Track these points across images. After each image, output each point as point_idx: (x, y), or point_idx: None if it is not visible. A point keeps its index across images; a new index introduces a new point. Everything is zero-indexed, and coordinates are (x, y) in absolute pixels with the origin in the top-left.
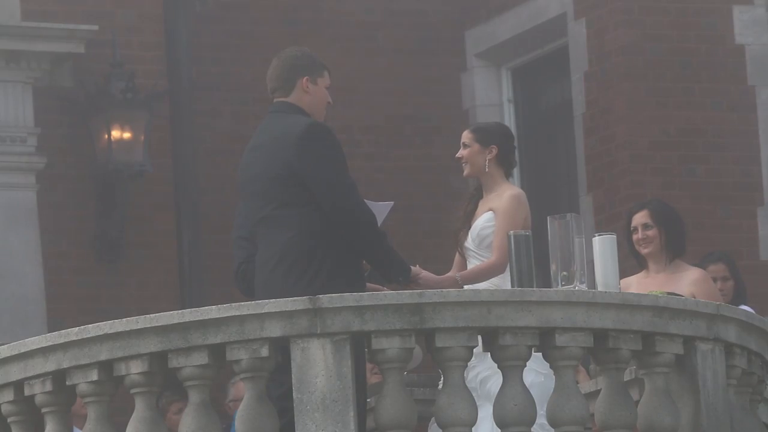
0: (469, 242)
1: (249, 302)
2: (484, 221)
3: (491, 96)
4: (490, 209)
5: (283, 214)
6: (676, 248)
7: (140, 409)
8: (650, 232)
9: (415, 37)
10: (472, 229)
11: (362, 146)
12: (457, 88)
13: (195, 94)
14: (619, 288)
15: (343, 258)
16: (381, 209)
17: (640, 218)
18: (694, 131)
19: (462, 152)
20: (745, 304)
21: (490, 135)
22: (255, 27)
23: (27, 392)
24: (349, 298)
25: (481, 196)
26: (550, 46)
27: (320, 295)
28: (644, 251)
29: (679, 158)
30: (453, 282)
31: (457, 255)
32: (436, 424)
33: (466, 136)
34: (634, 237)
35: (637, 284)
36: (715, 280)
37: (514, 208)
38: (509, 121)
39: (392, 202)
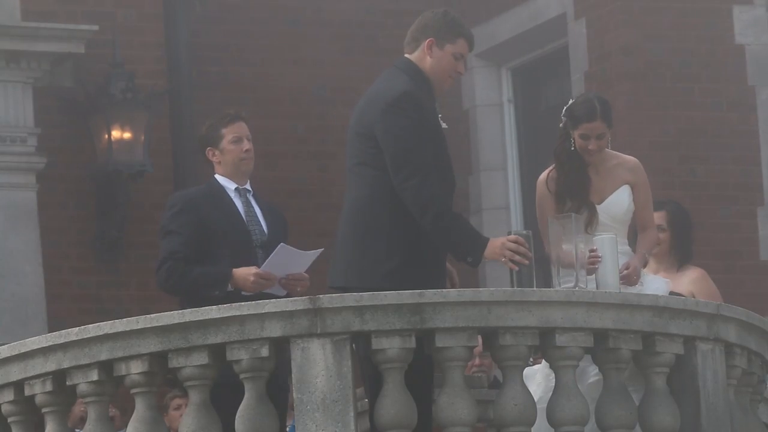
0: (605, 217)
1: (249, 302)
2: (623, 195)
3: (491, 96)
4: (626, 183)
5: (360, 173)
6: (682, 255)
7: (140, 409)
8: (662, 235)
9: None
10: (606, 204)
11: None
12: (457, 88)
13: (195, 94)
14: (620, 288)
15: (412, 231)
16: (306, 258)
17: (656, 219)
18: (694, 131)
19: (599, 143)
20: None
21: (611, 114)
22: (255, 27)
23: (27, 392)
24: (349, 298)
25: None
26: (550, 46)
27: (320, 295)
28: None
29: (679, 158)
30: (642, 257)
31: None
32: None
33: (599, 127)
34: None
35: None
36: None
37: (645, 177)
38: (509, 121)
39: (321, 249)
